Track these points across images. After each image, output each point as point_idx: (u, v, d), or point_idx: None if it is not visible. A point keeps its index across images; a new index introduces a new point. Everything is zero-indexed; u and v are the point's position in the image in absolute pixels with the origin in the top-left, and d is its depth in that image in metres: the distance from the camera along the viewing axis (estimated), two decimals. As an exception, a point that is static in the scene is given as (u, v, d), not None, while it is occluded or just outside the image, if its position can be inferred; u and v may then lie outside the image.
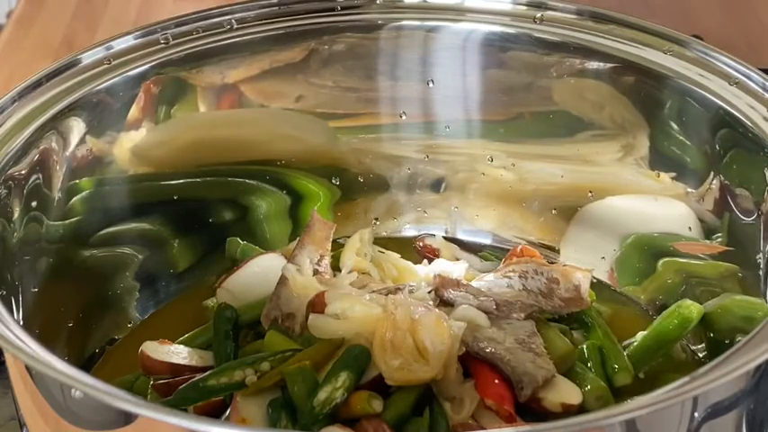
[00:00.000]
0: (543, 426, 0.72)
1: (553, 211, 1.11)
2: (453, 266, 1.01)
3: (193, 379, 0.88)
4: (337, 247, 1.03)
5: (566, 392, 0.89)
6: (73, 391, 0.74)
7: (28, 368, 0.78)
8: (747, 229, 0.97)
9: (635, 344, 0.97)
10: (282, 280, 0.96)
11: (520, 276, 0.97)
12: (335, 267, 1.01)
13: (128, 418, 0.73)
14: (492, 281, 0.98)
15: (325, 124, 1.12)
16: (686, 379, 0.73)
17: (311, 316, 0.91)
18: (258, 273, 1.01)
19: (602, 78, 1.06)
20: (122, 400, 0.72)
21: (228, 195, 1.10)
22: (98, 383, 0.74)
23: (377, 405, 0.85)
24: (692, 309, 0.98)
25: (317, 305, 0.93)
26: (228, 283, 1.01)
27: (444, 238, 1.10)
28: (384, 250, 1.04)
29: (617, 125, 1.07)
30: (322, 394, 0.84)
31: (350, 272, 0.99)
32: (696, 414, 0.74)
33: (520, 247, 1.04)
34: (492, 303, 0.94)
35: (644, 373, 0.96)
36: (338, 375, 0.85)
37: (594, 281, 1.01)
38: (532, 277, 0.97)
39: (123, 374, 0.95)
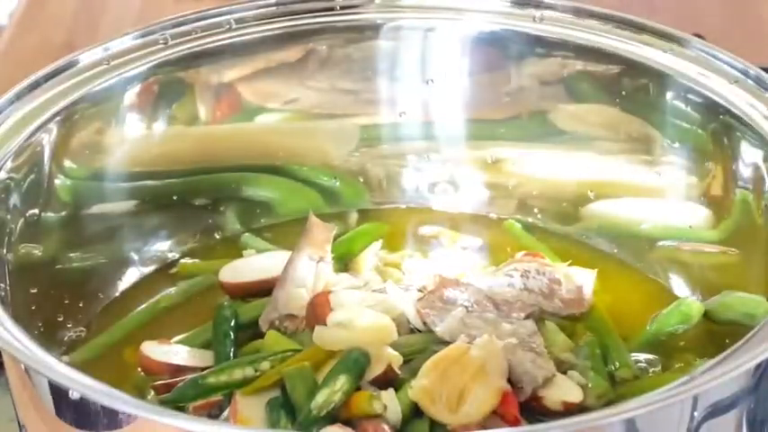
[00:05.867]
0: (543, 426, 0.72)
1: (554, 211, 1.11)
2: (453, 263, 1.01)
3: (193, 376, 0.88)
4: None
5: (566, 391, 0.89)
6: (71, 392, 0.74)
7: (26, 369, 0.78)
8: (748, 228, 0.97)
9: (636, 341, 0.97)
10: (281, 283, 0.96)
11: (521, 275, 0.97)
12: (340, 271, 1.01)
13: (126, 419, 0.73)
14: (493, 280, 0.98)
15: (322, 126, 1.12)
16: (686, 378, 0.73)
17: (317, 328, 0.90)
18: (261, 266, 1.01)
19: (602, 77, 1.05)
20: (121, 402, 0.72)
21: (231, 194, 1.10)
22: (97, 384, 0.74)
23: (378, 406, 0.84)
24: (692, 306, 0.98)
25: (318, 306, 0.92)
26: (231, 265, 1.01)
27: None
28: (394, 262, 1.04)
29: (617, 124, 1.06)
30: (320, 397, 0.84)
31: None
32: (696, 413, 0.74)
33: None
34: (492, 303, 0.94)
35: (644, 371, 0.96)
36: (337, 378, 0.85)
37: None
38: (534, 277, 0.97)
39: (122, 374, 0.95)
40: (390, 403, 0.85)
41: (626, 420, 0.71)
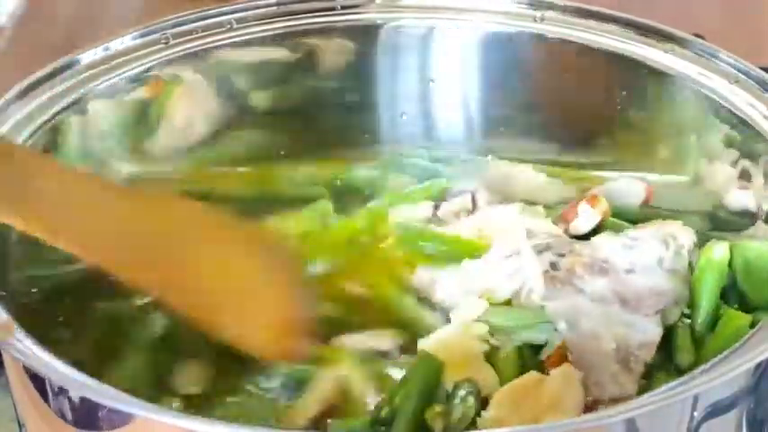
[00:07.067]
0: (543, 426, 0.73)
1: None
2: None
3: None
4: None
5: None
6: (71, 391, 0.74)
7: (26, 369, 0.78)
8: (749, 228, 0.97)
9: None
10: None
11: (669, 248, 0.90)
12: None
13: (126, 419, 0.73)
14: (631, 253, 0.91)
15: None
16: (686, 378, 0.73)
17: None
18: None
19: (603, 78, 1.06)
20: (121, 402, 0.72)
21: (234, 194, 1.10)
22: (97, 384, 0.74)
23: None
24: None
25: None
26: None
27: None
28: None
29: (618, 124, 1.06)
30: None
31: None
32: (696, 413, 0.74)
33: (592, 191, 1.00)
34: (619, 298, 0.89)
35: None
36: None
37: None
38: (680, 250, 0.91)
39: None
40: None
41: (626, 420, 0.71)
